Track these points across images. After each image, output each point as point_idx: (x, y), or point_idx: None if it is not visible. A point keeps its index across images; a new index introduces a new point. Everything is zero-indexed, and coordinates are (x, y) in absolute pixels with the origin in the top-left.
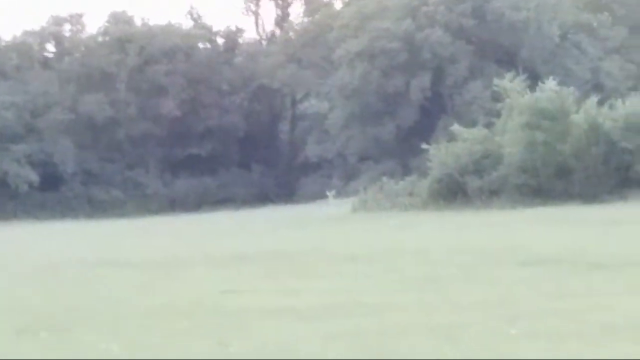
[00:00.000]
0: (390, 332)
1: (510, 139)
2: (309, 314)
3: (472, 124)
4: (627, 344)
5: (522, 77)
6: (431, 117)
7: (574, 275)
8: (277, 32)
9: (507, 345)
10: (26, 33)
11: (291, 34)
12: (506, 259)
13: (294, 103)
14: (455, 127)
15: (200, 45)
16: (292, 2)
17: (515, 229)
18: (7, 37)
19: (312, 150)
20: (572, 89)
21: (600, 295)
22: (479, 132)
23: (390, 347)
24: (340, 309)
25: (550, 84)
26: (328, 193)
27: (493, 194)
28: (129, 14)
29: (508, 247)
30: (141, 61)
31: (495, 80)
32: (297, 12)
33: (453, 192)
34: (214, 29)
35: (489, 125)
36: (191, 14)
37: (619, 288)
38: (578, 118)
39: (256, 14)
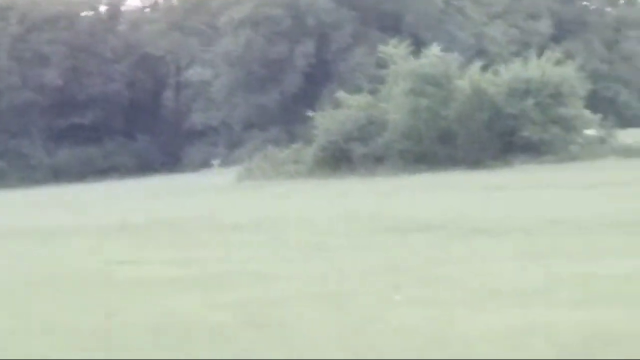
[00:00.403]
0: (276, 301)
1: (394, 105)
2: (194, 284)
3: (357, 90)
4: (513, 309)
5: (406, 43)
6: (316, 84)
7: (458, 241)
8: None
9: (392, 312)
10: None
11: (174, 1)
12: (391, 225)
13: (178, 71)
14: (340, 94)
15: (83, 13)
16: None
17: (400, 196)
18: None
19: (197, 119)
20: (455, 54)
21: (485, 261)
22: (363, 98)
23: (276, 316)
24: (226, 278)
25: (434, 50)
26: (213, 162)
27: (378, 161)
28: None
29: (393, 214)
30: (23, 29)
31: (380, 47)
32: None
33: (338, 160)
34: None
35: (373, 92)
36: None
37: (503, 253)
38: (462, 84)
39: None
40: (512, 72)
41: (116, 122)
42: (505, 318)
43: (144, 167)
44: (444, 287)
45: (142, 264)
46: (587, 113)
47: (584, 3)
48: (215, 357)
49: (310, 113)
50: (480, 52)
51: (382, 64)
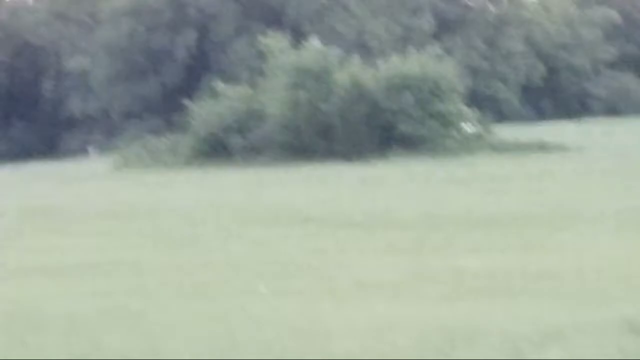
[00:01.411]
0: (142, 291)
1: (274, 98)
2: (62, 273)
3: (237, 82)
4: (378, 303)
5: (287, 36)
6: (196, 75)
7: (331, 234)
8: None
9: (256, 303)
10: None
11: None
12: (265, 217)
13: (59, 60)
14: (218, 85)
15: None
16: None
17: (276, 188)
18: None
19: (76, 107)
20: (336, 48)
21: (356, 254)
22: (243, 90)
23: (140, 307)
24: (96, 267)
25: (314, 43)
26: (90, 150)
27: (256, 153)
28: None
29: (268, 206)
30: None
31: (260, 39)
32: None
33: (216, 151)
34: None
35: (253, 84)
36: None
37: (374, 247)
38: (341, 78)
39: None
40: (391, 67)
41: None
42: (370, 312)
43: (21, 154)
44: (311, 279)
45: (10, 250)
46: (465, 109)
47: (466, 0)
48: (65, 347)
49: (188, 103)
50: (361, 47)
51: (262, 57)
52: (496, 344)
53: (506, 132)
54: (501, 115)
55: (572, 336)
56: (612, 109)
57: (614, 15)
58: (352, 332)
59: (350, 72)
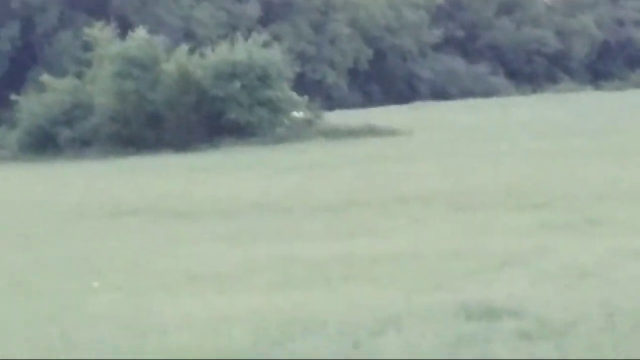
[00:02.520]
0: None
1: (101, 89)
2: None
3: (63, 74)
4: (212, 294)
5: (113, 25)
6: (22, 67)
7: (161, 225)
8: None
9: (90, 299)
10: None
11: None
12: (96, 210)
13: None
14: (45, 78)
15: None
16: None
17: (106, 179)
18: None
19: None
20: (162, 37)
21: (187, 245)
22: (69, 82)
23: None
24: None
25: (140, 33)
26: None
27: (85, 145)
28: None
29: (99, 199)
30: None
31: (85, 30)
32: None
33: (44, 144)
34: None
35: (80, 75)
36: None
37: (205, 237)
38: (169, 67)
39: None
40: (219, 55)
41: None
42: (204, 304)
43: None
44: (144, 272)
45: None
46: (294, 95)
47: None
48: None
49: (14, 97)
50: (188, 35)
51: (88, 47)
52: (332, 333)
53: (336, 117)
54: (331, 100)
55: (408, 322)
56: (440, 92)
57: None
58: (187, 326)
59: (178, 61)
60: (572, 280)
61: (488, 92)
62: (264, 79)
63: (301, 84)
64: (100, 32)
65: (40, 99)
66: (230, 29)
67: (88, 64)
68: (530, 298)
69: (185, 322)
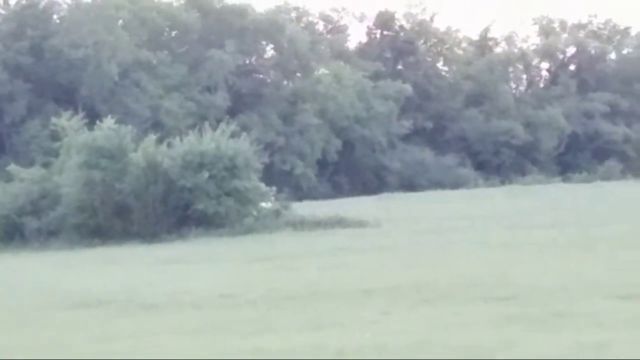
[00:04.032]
0: None
1: (68, 178)
2: None
3: (31, 163)
4: None
5: (81, 115)
6: None
7: (124, 316)
8: None
9: None
10: None
11: None
12: (58, 301)
13: None
14: (12, 167)
15: None
16: None
17: (72, 270)
18: None
19: None
20: (130, 127)
21: (149, 336)
22: (36, 171)
23: None
24: None
25: (108, 122)
26: None
27: (51, 235)
28: None
29: (63, 289)
30: None
31: (53, 119)
32: None
33: (10, 234)
34: None
35: (47, 165)
36: None
37: (169, 328)
38: (136, 156)
39: None
40: (187, 145)
41: None
42: None
43: None
44: None
45: None
46: (262, 186)
47: (261, 76)
48: None
49: None
50: (156, 125)
51: (56, 137)
52: None
53: (304, 208)
54: (299, 191)
55: None
56: (409, 183)
57: (408, 89)
58: None
59: (145, 150)
60: None
61: (456, 184)
62: (232, 169)
63: (270, 175)
64: (68, 122)
65: (7, 189)
66: (199, 119)
67: (55, 153)
68: None
69: None
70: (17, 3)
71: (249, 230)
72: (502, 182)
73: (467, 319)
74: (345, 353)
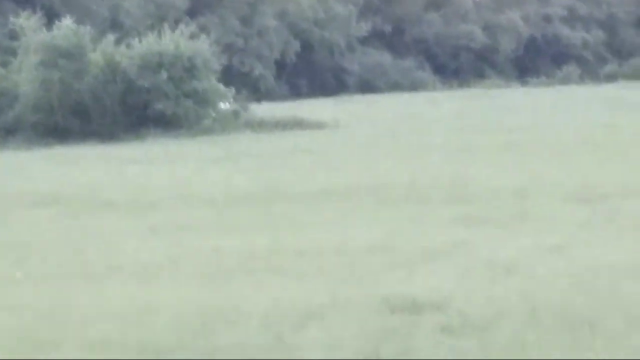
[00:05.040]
0: None
1: (25, 78)
2: None
3: None
4: (135, 286)
5: (39, 14)
6: None
7: (85, 216)
8: None
9: (10, 289)
10: None
11: None
12: (18, 200)
13: None
14: None
15: None
16: None
17: (29, 169)
18: None
19: None
20: (89, 27)
21: (111, 236)
22: None
23: None
24: None
25: (66, 22)
26: None
27: (9, 134)
28: None
29: (20, 188)
30: None
31: (12, 19)
32: None
33: None
34: None
35: (5, 64)
36: None
37: (129, 228)
38: (95, 56)
39: None
40: (145, 45)
41: None
42: (127, 296)
43: None
44: (66, 263)
45: None
46: (221, 87)
47: None
48: None
49: None
50: (115, 25)
51: (14, 36)
52: (256, 326)
53: (263, 110)
54: (258, 93)
55: (331, 316)
56: (367, 85)
57: None
58: (109, 317)
59: (104, 51)
60: (496, 275)
61: (414, 87)
62: (191, 70)
63: (228, 76)
64: (27, 21)
65: None
66: (158, 19)
67: (14, 52)
68: (453, 292)
69: (107, 314)
70: None
71: (207, 131)
72: (460, 86)
73: (426, 220)
74: (303, 254)
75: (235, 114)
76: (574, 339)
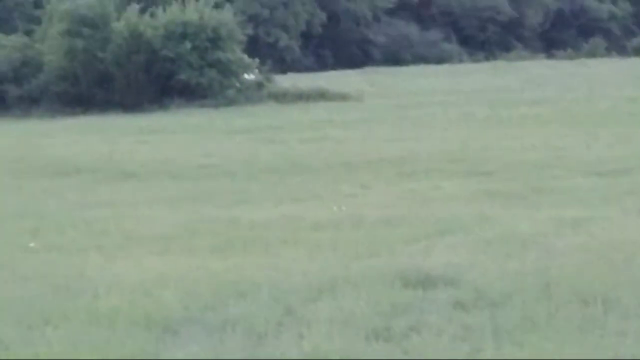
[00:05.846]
0: None
1: (50, 47)
2: None
3: (13, 30)
4: (149, 256)
5: None
6: None
7: (105, 185)
8: None
9: (24, 259)
10: None
11: None
12: (40, 168)
13: None
14: None
15: None
16: None
17: (53, 138)
18: None
19: None
20: None
21: (129, 206)
22: (19, 38)
23: None
24: None
25: None
26: None
27: (33, 103)
28: None
29: (44, 157)
30: None
31: None
32: None
33: None
34: None
35: (30, 33)
36: None
37: (147, 198)
38: (119, 26)
39: None
40: (170, 15)
41: None
42: (140, 266)
43: None
44: (83, 233)
45: None
46: (245, 57)
47: None
48: None
49: None
50: None
51: (39, 5)
52: (266, 298)
53: (288, 81)
54: (283, 64)
55: (344, 289)
56: (393, 57)
57: None
58: (119, 288)
59: (128, 20)
60: (512, 249)
61: (440, 59)
62: (215, 40)
63: (253, 47)
64: None
65: None
66: None
67: (38, 21)
68: (468, 267)
69: (118, 285)
70: None
71: (231, 102)
72: (487, 58)
73: (447, 193)
74: (321, 225)
75: (259, 85)
76: (586, 315)
